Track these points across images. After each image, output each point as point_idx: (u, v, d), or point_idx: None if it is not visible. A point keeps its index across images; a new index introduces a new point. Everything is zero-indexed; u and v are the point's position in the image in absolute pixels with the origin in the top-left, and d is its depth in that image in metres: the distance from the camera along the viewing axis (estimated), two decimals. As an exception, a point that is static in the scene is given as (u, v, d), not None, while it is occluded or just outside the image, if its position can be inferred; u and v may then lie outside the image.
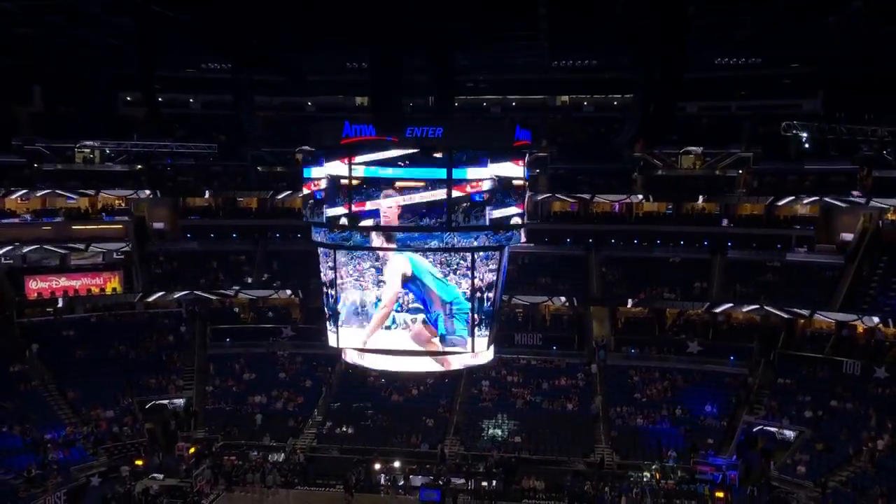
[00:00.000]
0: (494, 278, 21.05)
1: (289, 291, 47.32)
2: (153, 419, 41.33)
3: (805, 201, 44.31)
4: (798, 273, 43.80)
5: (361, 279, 21.03)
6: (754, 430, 38.57)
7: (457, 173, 19.12)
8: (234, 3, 22.62)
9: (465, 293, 20.53)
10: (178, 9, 21.98)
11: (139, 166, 48.96)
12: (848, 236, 44.13)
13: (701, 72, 41.05)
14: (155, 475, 35.96)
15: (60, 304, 44.81)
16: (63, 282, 45.70)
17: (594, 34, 29.41)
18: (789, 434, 37.61)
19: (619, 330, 46.72)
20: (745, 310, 43.29)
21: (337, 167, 19.69)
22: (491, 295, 21.17)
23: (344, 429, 40.57)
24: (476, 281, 20.54)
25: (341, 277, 21.11)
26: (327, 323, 22.44)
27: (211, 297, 47.49)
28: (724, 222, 47.04)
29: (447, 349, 21.37)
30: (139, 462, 37.01)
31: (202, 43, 26.53)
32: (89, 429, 38.82)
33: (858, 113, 41.45)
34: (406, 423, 40.87)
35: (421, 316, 20.91)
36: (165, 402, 42.22)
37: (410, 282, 20.67)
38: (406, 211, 19.46)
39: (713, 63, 39.98)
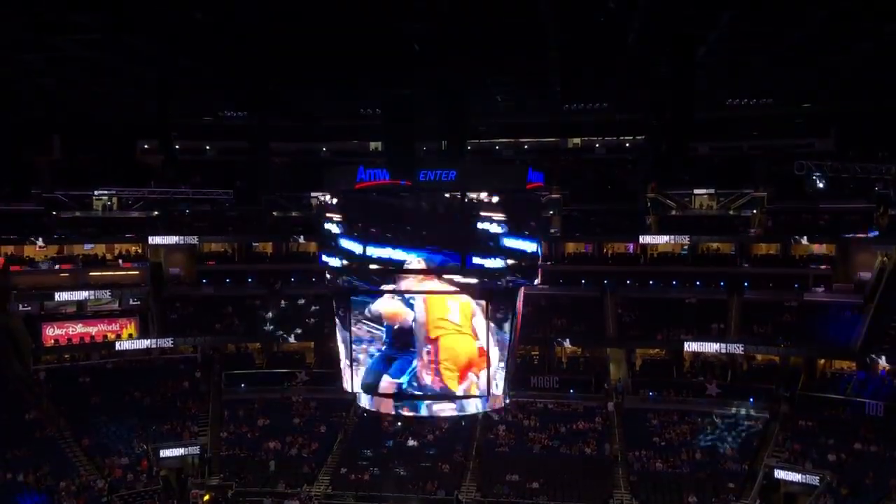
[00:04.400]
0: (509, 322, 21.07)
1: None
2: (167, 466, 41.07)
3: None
4: (816, 313, 43.31)
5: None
6: (776, 473, 37.77)
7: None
8: (248, 50, 23.06)
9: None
10: (196, 58, 22.43)
11: (156, 212, 49.46)
12: (866, 275, 43.71)
13: (712, 112, 41.20)
14: (169, 523, 35.64)
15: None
16: (79, 328, 45.92)
17: (605, 76, 29.66)
18: (812, 478, 36.74)
19: (636, 372, 46.22)
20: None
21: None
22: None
23: (359, 475, 40.11)
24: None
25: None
26: (342, 367, 22.46)
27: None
28: (740, 262, 46.76)
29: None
30: (153, 510, 36.72)
31: (219, 90, 27.02)
32: (104, 476, 38.61)
33: (871, 151, 41.36)
34: (422, 469, 40.36)
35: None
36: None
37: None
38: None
39: (724, 103, 40.15)
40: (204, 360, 48.07)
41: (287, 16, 20.18)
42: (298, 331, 47.09)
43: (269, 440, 42.91)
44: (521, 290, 21.87)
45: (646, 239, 47.12)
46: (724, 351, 43.48)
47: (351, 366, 22.16)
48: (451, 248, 19.86)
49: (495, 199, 19.59)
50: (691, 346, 43.75)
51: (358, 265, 20.37)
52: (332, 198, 21.21)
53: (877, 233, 41.96)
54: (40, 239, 46.58)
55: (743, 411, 41.66)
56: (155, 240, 48.19)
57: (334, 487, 39.73)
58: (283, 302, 48.39)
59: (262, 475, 40.49)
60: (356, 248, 20.43)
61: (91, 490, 37.60)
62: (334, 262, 21.29)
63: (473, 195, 19.63)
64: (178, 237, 48.48)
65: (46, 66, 28.51)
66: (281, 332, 47.00)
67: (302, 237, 49.78)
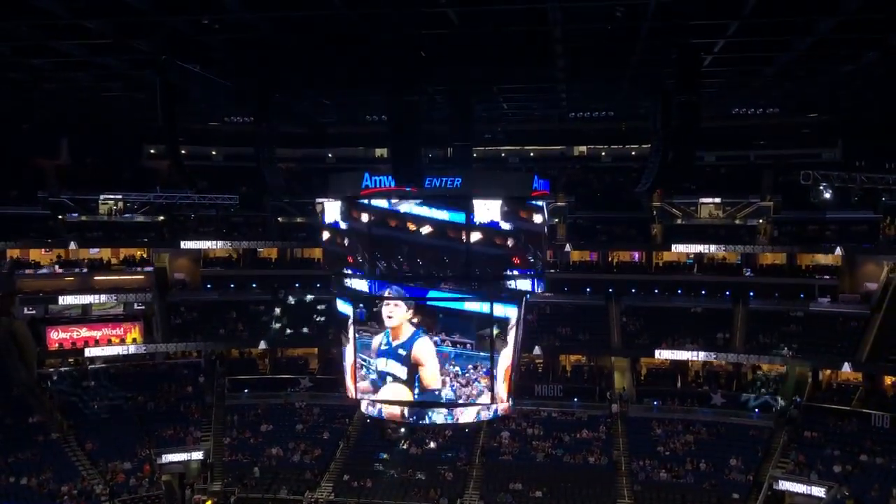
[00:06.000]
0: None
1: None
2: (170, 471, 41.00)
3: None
4: (822, 323, 43.09)
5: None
6: (781, 485, 37.53)
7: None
8: (254, 55, 23.06)
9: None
10: (201, 63, 22.44)
11: (161, 217, 49.50)
12: (872, 286, 43.52)
13: (719, 121, 41.12)
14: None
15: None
16: (84, 332, 45.91)
17: (612, 83, 29.63)
18: (818, 490, 36.49)
19: (640, 381, 46.02)
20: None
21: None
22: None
23: (362, 482, 39.99)
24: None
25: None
26: (346, 374, 22.43)
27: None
28: (746, 272, 46.59)
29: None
30: (155, 515, 36.67)
31: (224, 96, 27.02)
32: (106, 481, 38.56)
33: (878, 161, 41.22)
34: (425, 476, 40.21)
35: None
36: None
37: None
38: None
39: (731, 113, 40.05)
40: (207, 365, 48.02)
41: (293, 21, 20.18)
42: (305, 329, 47.45)
43: (271, 446, 42.85)
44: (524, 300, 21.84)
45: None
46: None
47: (355, 372, 22.10)
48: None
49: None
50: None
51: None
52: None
53: (883, 243, 41.80)
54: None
55: (748, 421, 41.49)
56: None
57: (337, 494, 39.66)
58: (290, 299, 48.60)
59: (265, 481, 40.41)
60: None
61: (93, 495, 37.54)
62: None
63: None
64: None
65: (52, 70, 28.58)
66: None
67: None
